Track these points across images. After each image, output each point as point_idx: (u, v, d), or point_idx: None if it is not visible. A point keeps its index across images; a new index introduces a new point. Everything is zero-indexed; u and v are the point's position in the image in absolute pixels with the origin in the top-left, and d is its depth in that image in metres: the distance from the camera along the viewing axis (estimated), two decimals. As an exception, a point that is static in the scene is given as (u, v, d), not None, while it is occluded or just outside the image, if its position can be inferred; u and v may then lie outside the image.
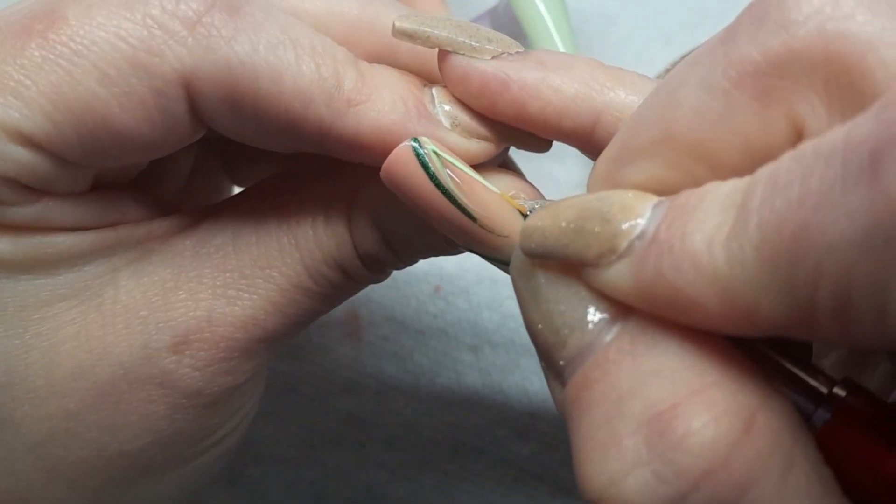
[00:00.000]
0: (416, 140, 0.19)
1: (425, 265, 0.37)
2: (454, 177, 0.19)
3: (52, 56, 0.18)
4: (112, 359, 0.20)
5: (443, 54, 0.20)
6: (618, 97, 0.19)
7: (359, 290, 0.23)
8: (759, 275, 0.13)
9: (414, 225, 0.21)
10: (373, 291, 0.36)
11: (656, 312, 0.15)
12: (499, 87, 0.19)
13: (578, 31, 0.40)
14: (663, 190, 0.16)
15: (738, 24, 0.16)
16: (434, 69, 0.21)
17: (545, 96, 0.19)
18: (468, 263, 0.37)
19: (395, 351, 0.35)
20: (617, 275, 0.15)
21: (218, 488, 0.35)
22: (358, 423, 0.35)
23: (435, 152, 0.19)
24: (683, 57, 0.37)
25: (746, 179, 0.14)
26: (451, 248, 0.22)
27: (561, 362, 0.16)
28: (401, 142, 0.19)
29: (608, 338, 0.16)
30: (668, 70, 0.37)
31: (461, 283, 0.36)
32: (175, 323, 0.20)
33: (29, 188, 0.19)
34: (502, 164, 0.22)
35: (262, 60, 0.18)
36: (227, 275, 0.21)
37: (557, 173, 0.38)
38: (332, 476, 0.35)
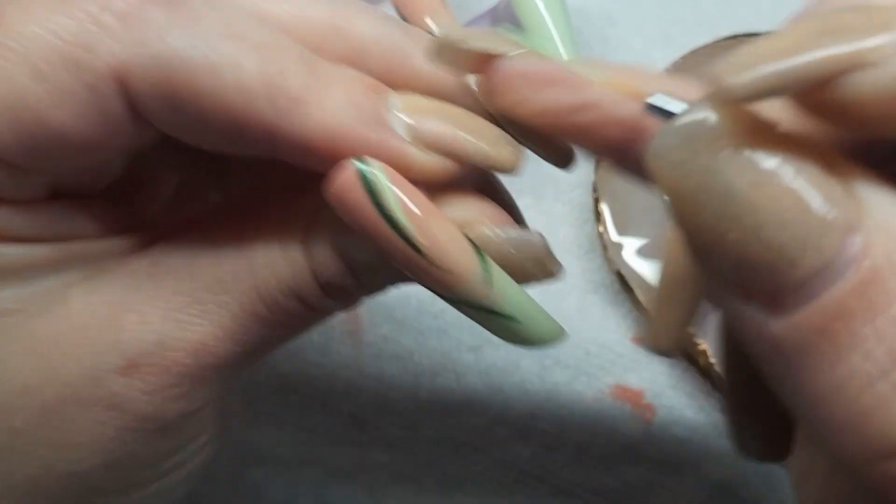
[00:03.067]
0: (361, 160, 0.17)
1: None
2: (403, 202, 0.17)
3: None
4: (60, 378, 0.19)
5: (492, 59, 0.18)
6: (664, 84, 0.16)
7: (323, 318, 0.22)
8: None
9: (376, 252, 0.19)
10: (373, 292, 0.36)
11: None
12: (554, 79, 0.17)
13: (578, 32, 0.40)
14: None
15: None
16: (403, 79, 0.19)
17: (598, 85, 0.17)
18: (468, 264, 0.37)
19: (396, 351, 0.35)
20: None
21: (218, 489, 0.35)
22: (359, 423, 0.35)
23: (382, 173, 0.17)
24: (684, 57, 0.37)
25: None
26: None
27: (789, 286, 0.12)
28: (352, 148, 0.18)
29: (855, 249, 0.12)
30: (668, 70, 0.37)
31: (461, 284, 0.36)
32: (124, 346, 0.19)
33: None
34: (485, 182, 0.21)
35: (201, 55, 0.17)
36: (181, 298, 0.20)
37: (557, 173, 0.38)
38: (333, 477, 0.35)
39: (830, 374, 0.12)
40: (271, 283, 0.20)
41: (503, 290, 0.18)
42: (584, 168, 0.38)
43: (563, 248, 0.37)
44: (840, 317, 0.12)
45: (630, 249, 0.35)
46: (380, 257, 0.19)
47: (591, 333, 0.36)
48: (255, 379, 0.36)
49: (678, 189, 0.13)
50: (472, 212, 0.19)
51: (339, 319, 0.35)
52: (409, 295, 0.36)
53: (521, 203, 0.22)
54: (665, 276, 0.21)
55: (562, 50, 0.33)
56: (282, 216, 0.20)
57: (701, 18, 0.41)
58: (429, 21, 0.32)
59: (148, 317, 0.20)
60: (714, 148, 0.12)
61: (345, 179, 0.17)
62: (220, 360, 0.20)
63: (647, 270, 0.35)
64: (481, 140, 0.19)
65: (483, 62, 0.18)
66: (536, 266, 0.20)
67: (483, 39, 0.18)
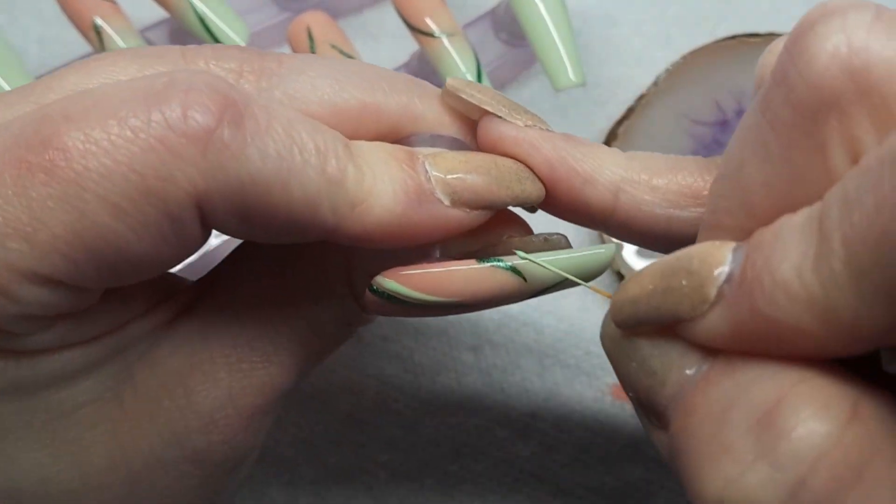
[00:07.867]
0: (375, 286, 0.20)
1: (426, 265, 0.37)
2: (416, 286, 0.20)
3: (59, 194, 0.17)
4: (143, 448, 0.21)
5: (483, 116, 0.21)
6: (633, 175, 0.21)
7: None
8: (855, 289, 0.14)
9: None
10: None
11: (756, 351, 0.16)
12: (529, 149, 0.21)
13: (579, 32, 0.40)
14: None
15: (769, 92, 0.17)
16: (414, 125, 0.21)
17: (570, 163, 0.21)
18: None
19: (396, 351, 0.35)
20: (712, 323, 0.16)
21: (218, 489, 0.35)
22: (358, 423, 0.35)
23: (388, 282, 0.20)
24: (683, 57, 0.37)
25: (817, 205, 0.15)
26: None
27: (663, 402, 0.17)
28: (405, 230, 0.19)
29: (706, 367, 0.17)
30: (668, 71, 0.37)
31: (461, 284, 0.36)
32: (199, 406, 0.21)
33: (46, 317, 0.18)
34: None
35: (272, 172, 0.18)
36: (239, 350, 0.21)
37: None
38: (333, 476, 0.35)
39: None
40: (323, 318, 0.22)
41: (534, 274, 0.21)
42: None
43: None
44: None
45: (630, 249, 0.35)
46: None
47: (592, 333, 0.36)
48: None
49: (611, 357, 0.20)
50: (500, 228, 0.22)
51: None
52: (410, 295, 0.36)
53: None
54: None
55: (561, 50, 0.33)
56: (322, 266, 0.22)
57: (701, 19, 0.41)
58: (429, 21, 0.32)
59: (213, 374, 0.21)
60: (615, 339, 0.19)
61: (371, 301, 0.20)
62: (283, 392, 0.22)
63: (647, 270, 0.35)
64: (508, 183, 0.21)
65: (479, 112, 0.21)
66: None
67: (478, 94, 0.21)
